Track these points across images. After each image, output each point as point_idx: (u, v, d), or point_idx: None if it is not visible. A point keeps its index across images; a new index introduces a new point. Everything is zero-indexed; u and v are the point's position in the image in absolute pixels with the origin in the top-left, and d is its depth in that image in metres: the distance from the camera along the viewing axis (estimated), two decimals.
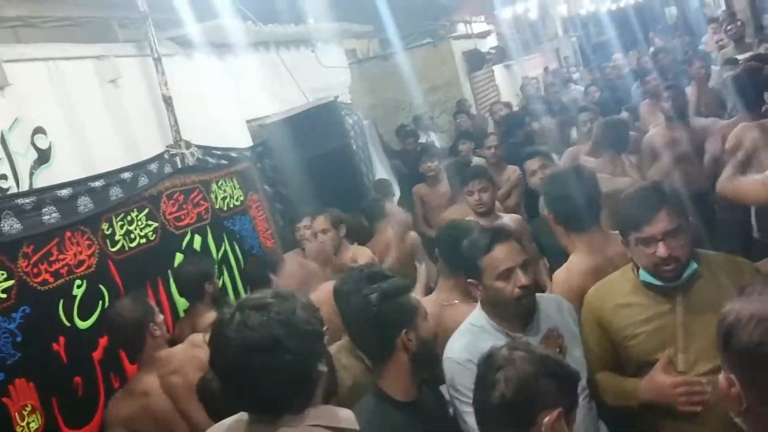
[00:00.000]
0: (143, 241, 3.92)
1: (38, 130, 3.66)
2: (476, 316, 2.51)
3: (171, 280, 4.03)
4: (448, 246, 3.10)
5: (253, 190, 5.27)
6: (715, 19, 11.55)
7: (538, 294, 2.63)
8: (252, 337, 1.58)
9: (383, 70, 10.16)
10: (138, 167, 4.08)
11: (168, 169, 4.38)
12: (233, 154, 5.19)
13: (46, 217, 3.26)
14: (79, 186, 3.54)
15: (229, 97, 5.49)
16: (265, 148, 5.69)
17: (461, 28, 12.79)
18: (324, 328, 1.71)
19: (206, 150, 4.83)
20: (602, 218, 2.94)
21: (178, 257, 4.18)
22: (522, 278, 2.37)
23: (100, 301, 3.48)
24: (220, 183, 4.82)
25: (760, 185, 2.98)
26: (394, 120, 9.74)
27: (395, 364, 2.20)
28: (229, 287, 4.64)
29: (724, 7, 12.44)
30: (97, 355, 3.38)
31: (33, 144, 3.62)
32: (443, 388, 2.46)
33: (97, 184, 3.67)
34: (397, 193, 6.77)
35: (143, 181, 4.06)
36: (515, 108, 8.90)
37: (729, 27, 8.18)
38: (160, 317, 3.24)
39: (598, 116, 5.90)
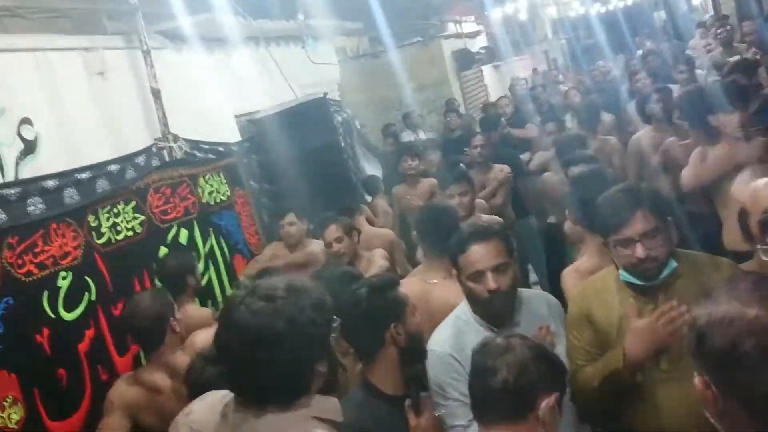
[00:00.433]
0: (130, 233, 3.90)
1: (25, 121, 3.64)
2: (462, 309, 2.53)
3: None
4: (428, 227, 3.21)
5: (239, 186, 5.27)
6: (703, 23, 11.66)
7: (526, 291, 2.65)
8: (253, 327, 1.57)
9: (373, 68, 10.15)
10: (125, 160, 4.06)
11: (155, 162, 4.36)
12: (221, 149, 5.18)
13: (32, 208, 3.24)
14: (66, 178, 3.52)
15: (218, 92, 5.47)
16: (252, 144, 5.67)
17: (451, 28, 12.80)
18: (332, 330, 1.69)
19: (194, 144, 4.81)
20: None
21: (164, 251, 4.16)
22: (490, 282, 2.36)
23: (87, 293, 3.46)
24: (207, 177, 4.81)
25: None
26: (383, 118, 9.73)
27: (384, 358, 2.22)
28: (215, 282, 4.63)
29: (712, 12, 12.54)
30: (83, 347, 3.36)
31: (19, 134, 3.59)
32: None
33: (84, 176, 3.65)
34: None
35: (130, 173, 4.05)
36: (506, 109, 8.90)
37: (718, 31, 8.25)
38: (179, 313, 3.22)
39: (564, 128, 6.04)
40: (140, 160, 4.22)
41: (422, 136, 9.24)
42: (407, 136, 8.97)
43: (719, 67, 6.78)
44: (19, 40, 3.81)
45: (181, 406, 3.05)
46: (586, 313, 2.44)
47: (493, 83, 12.99)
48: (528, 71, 14.12)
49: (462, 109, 10.59)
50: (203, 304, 4.22)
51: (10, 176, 3.45)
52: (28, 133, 3.65)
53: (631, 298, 2.34)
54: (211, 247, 4.66)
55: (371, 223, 5.45)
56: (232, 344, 1.61)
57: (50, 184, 3.39)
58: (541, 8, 17.02)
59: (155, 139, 4.49)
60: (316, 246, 4.58)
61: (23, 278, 3.11)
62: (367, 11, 7.82)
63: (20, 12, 3.93)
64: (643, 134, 5.28)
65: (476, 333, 2.41)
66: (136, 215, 3.99)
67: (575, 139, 5.17)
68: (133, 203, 3.98)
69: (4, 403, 2.86)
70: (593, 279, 2.57)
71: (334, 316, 1.71)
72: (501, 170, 5.63)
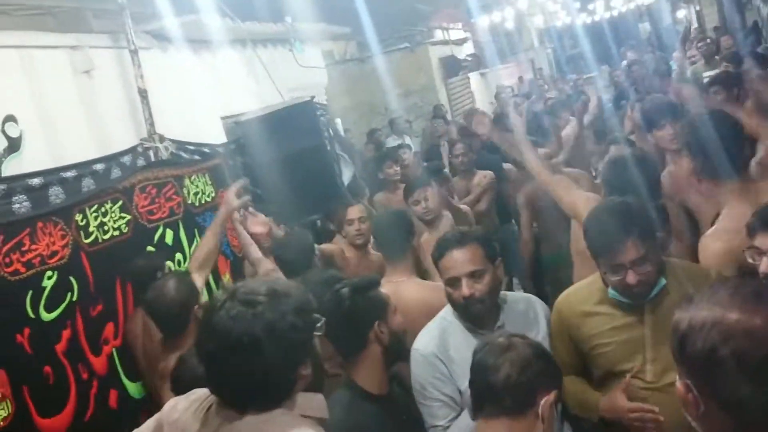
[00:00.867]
0: (116, 233, 3.88)
1: (9, 118, 3.61)
2: (448, 310, 2.54)
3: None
4: (384, 233, 3.38)
5: (224, 187, 5.24)
6: (686, 35, 11.79)
7: (511, 294, 2.68)
8: (232, 333, 1.55)
9: (360, 73, 10.19)
10: (110, 159, 4.04)
11: (141, 162, 4.34)
12: (207, 150, 5.16)
13: (17, 206, 3.21)
14: (51, 175, 3.50)
15: (204, 93, 5.47)
16: (238, 146, 5.65)
17: (438, 35, 12.86)
18: (316, 330, 1.68)
19: (180, 144, 4.79)
20: None
21: (151, 251, 4.14)
22: (464, 289, 2.37)
23: (69, 294, 3.43)
24: (192, 178, 4.79)
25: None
26: (369, 122, 9.76)
27: (368, 358, 2.23)
28: None
29: (696, 25, 12.70)
30: (60, 347, 3.32)
31: (3, 132, 3.57)
32: None
33: (69, 174, 3.62)
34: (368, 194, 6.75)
35: (116, 173, 4.02)
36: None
37: (699, 45, 8.37)
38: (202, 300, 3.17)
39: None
40: (126, 159, 4.19)
41: (408, 141, 9.27)
42: (393, 142, 8.98)
43: (697, 80, 6.87)
44: (4, 37, 3.78)
45: None
46: (568, 324, 2.45)
47: (479, 90, 13.06)
48: (514, 79, 14.21)
49: (448, 116, 10.64)
50: None
51: None
52: (12, 131, 3.62)
53: (616, 310, 2.34)
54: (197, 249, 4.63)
55: None
56: (212, 349, 1.60)
57: (35, 181, 3.36)
58: (528, 17, 17.15)
59: (141, 139, 4.47)
60: None
61: (9, 277, 3.08)
62: (354, 16, 7.83)
63: (5, 9, 3.90)
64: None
65: (461, 334, 2.45)
66: (123, 215, 3.96)
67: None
68: (120, 202, 3.96)
69: None
70: (575, 289, 2.55)
71: (317, 316, 1.71)
72: (484, 176, 5.65)
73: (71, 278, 3.46)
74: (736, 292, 1.23)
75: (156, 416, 1.81)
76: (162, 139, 4.56)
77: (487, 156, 6.43)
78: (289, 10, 6.63)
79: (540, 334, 2.47)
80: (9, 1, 3.91)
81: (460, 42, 13.54)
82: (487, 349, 1.81)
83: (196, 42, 5.46)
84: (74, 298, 3.45)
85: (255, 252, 3.70)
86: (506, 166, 5.88)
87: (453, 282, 2.42)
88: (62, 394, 3.24)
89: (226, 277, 4.89)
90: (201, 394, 1.74)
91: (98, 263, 3.66)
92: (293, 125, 5.69)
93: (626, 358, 2.31)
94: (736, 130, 2.90)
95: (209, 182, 5.00)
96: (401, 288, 3.04)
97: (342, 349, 2.29)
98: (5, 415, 2.90)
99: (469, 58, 13.24)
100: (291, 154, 5.54)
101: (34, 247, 3.25)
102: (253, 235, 3.88)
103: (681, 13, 18.11)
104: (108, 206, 3.85)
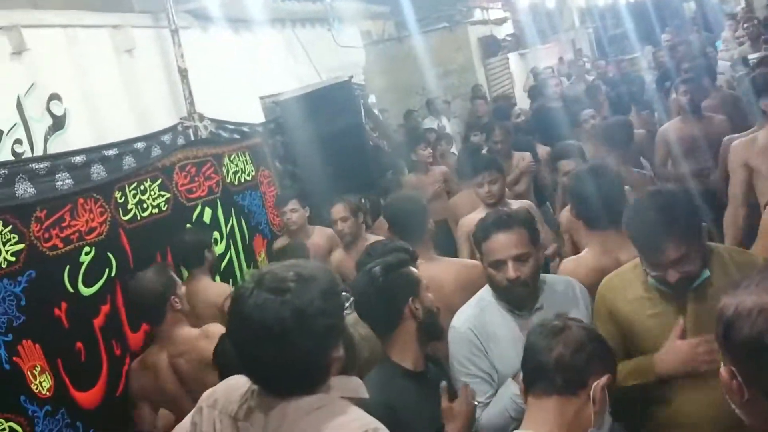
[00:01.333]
0: (155, 211, 3.94)
1: (54, 97, 3.68)
2: (487, 289, 2.54)
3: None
4: (399, 220, 3.32)
5: (264, 166, 5.28)
6: (733, 15, 11.47)
7: (550, 276, 2.66)
8: (263, 323, 1.54)
9: (397, 53, 10.12)
10: (151, 138, 4.10)
11: (181, 140, 4.40)
12: (246, 129, 5.20)
13: (60, 183, 3.28)
14: (93, 153, 3.56)
15: (243, 72, 5.49)
16: (277, 125, 5.69)
17: (478, 14, 12.69)
18: (345, 310, 1.68)
19: (219, 124, 4.84)
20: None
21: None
22: (510, 271, 2.38)
23: (107, 269, 3.49)
24: (232, 157, 4.83)
25: None
26: (406, 103, 9.71)
27: (404, 334, 2.25)
28: (234, 262, 4.66)
29: (743, 4, 12.34)
30: (98, 321, 3.38)
31: (48, 110, 3.64)
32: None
33: (111, 152, 3.68)
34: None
35: (156, 151, 4.08)
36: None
37: (746, 25, 8.14)
38: (182, 289, 3.25)
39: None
40: (166, 138, 4.25)
41: (445, 122, 9.20)
42: (430, 123, 8.92)
43: (745, 61, 6.70)
44: (50, 16, 3.84)
45: (178, 381, 3.13)
46: (610, 308, 2.41)
47: (518, 71, 12.89)
48: (554, 59, 13.98)
49: (487, 97, 10.54)
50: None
51: (38, 151, 3.50)
52: (57, 109, 3.69)
53: (659, 296, 2.29)
54: (232, 227, 4.69)
55: None
56: (243, 339, 1.60)
57: (78, 159, 3.42)
58: None
59: (181, 118, 4.53)
60: (317, 236, 4.61)
61: (48, 252, 3.14)
62: None
63: None
64: (671, 125, 5.22)
65: (498, 314, 2.46)
66: (162, 193, 4.02)
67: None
68: (159, 181, 4.01)
69: (34, 371, 2.92)
70: (618, 273, 2.50)
71: (346, 295, 1.70)
72: (522, 158, 5.60)
73: (109, 254, 3.52)
74: None
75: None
76: (201, 118, 4.61)
77: (521, 138, 6.37)
78: None
79: (578, 316, 2.44)
80: None
81: (500, 22, 13.35)
82: (542, 330, 1.83)
83: (235, 21, 5.48)
84: (113, 274, 3.51)
85: None
86: (540, 148, 5.83)
87: (497, 264, 2.42)
88: (95, 368, 3.30)
89: (261, 256, 4.93)
90: (240, 378, 1.74)
91: (137, 240, 3.71)
92: (331, 105, 5.71)
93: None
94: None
95: (249, 161, 5.04)
96: (421, 268, 3.03)
97: (377, 327, 2.30)
98: (48, 385, 2.98)
99: (509, 38, 13.05)
100: (329, 133, 5.56)
101: (73, 222, 3.31)
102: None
103: None
104: (147, 184, 3.90)
